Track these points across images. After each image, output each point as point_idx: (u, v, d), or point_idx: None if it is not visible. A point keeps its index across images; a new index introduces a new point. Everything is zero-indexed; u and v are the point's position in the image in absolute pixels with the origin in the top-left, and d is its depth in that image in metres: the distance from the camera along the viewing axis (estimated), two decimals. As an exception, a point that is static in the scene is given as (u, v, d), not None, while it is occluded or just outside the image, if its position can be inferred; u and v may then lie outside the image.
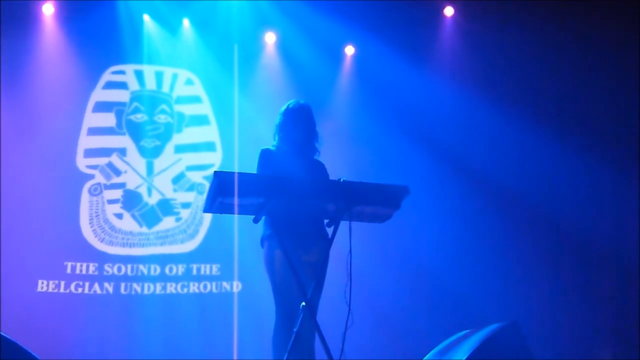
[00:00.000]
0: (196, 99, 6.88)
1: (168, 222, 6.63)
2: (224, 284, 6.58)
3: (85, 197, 6.50)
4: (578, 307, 6.68)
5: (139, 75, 6.74)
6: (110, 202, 6.54)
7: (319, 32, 6.83)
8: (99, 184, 6.54)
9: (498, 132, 6.95)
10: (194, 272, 6.57)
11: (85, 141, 6.56)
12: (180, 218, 6.66)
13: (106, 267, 6.41)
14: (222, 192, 3.55)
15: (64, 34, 6.54)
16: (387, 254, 6.76)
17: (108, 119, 6.63)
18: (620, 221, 6.73)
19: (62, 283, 6.28)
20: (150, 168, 6.66)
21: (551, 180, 6.92)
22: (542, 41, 6.96)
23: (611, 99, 6.88)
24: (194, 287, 6.54)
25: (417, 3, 6.99)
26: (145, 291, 6.44)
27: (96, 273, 6.37)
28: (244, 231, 5.93)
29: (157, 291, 6.46)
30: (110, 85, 6.68)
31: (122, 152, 6.63)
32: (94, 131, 6.59)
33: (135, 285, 6.43)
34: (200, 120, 6.85)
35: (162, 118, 6.76)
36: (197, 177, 6.74)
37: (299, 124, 4.16)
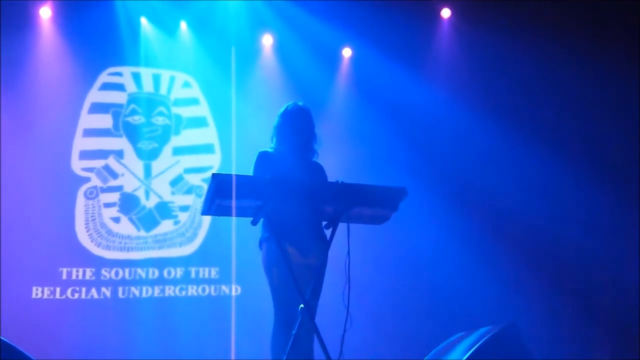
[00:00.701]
0: (194, 101, 6.87)
1: (166, 226, 6.59)
2: (223, 287, 6.56)
3: (80, 200, 6.42)
4: (576, 309, 6.69)
5: (136, 77, 6.71)
6: (107, 205, 6.48)
7: (316, 35, 6.84)
8: (95, 187, 6.48)
9: (495, 136, 6.94)
10: (193, 275, 6.54)
11: (81, 143, 6.49)
12: (179, 221, 6.63)
13: (103, 272, 6.34)
14: (220, 194, 3.55)
15: (61, 35, 6.52)
16: (386, 256, 6.76)
17: (105, 121, 6.58)
18: (620, 223, 6.74)
19: (58, 289, 6.20)
20: (147, 170, 6.63)
21: (549, 184, 6.93)
22: (541, 45, 6.97)
23: (612, 102, 6.90)
24: (192, 291, 6.51)
25: (414, 5, 6.99)
26: (144, 294, 6.39)
27: (93, 278, 6.30)
28: (243, 234, 5.92)
29: (156, 294, 6.41)
30: (106, 86, 6.64)
31: (119, 154, 6.58)
32: (89, 132, 6.54)
33: (133, 288, 6.38)
34: (198, 123, 6.84)
35: (159, 120, 6.73)
36: (195, 179, 6.71)
37: (297, 126, 4.16)
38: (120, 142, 6.59)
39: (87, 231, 6.41)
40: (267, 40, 7.00)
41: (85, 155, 6.50)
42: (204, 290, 6.52)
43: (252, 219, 3.78)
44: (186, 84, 6.86)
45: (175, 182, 6.67)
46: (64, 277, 6.25)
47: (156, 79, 6.78)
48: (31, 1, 6.45)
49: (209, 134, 6.83)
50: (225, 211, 3.70)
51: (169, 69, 6.81)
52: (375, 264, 6.62)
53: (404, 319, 6.66)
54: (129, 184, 6.55)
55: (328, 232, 3.91)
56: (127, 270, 6.40)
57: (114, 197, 6.51)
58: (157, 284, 6.44)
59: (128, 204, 6.53)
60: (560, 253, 6.79)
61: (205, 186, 5.56)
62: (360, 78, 7.08)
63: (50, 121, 6.43)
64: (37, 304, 6.13)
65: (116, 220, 6.50)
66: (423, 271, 6.75)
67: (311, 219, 3.95)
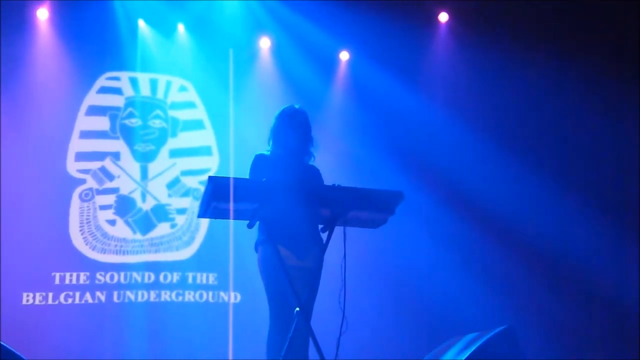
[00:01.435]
0: (190, 105, 6.86)
1: (163, 229, 6.55)
2: (222, 294, 6.48)
3: (75, 203, 6.37)
4: (575, 311, 6.69)
5: (134, 81, 6.71)
6: (103, 207, 6.43)
7: (313, 38, 6.84)
8: (90, 189, 6.44)
9: (491, 141, 6.95)
10: (190, 280, 6.48)
11: (77, 145, 6.46)
12: (176, 224, 6.59)
13: (98, 276, 6.28)
14: (217, 197, 3.55)
15: (58, 36, 6.51)
16: (382, 260, 6.75)
17: (102, 123, 6.56)
18: (620, 223, 6.76)
19: (50, 295, 6.13)
20: (144, 172, 6.60)
21: (543, 188, 6.93)
22: (540, 49, 6.98)
23: (612, 103, 6.91)
24: (189, 297, 6.44)
25: (411, 9, 7.00)
26: (139, 299, 6.32)
27: (87, 282, 6.23)
28: (242, 240, 5.86)
29: (152, 299, 6.34)
30: (104, 90, 6.63)
31: (115, 156, 6.55)
32: (86, 134, 6.52)
33: (128, 293, 6.30)
34: (195, 125, 6.82)
35: (156, 123, 6.72)
36: (192, 182, 6.68)
37: (294, 129, 4.15)
38: (117, 144, 6.56)
39: (82, 234, 6.36)
40: (265, 43, 7.00)
41: (81, 157, 6.46)
42: (201, 296, 6.47)
43: (248, 222, 3.77)
44: (182, 88, 6.86)
45: (172, 185, 6.64)
46: (57, 282, 6.18)
47: (153, 84, 6.77)
48: (28, 2, 6.43)
49: (206, 137, 6.82)
50: (221, 214, 3.70)
51: (165, 74, 6.81)
52: (371, 267, 6.60)
53: (400, 322, 6.65)
54: (125, 186, 6.51)
55: (324, 236, 3.90)
56: (122, 274, 6.33)
57: (110, 199, 6.47)
58: (153, 288, 6.37)
59: (124, 206, 6.49)
60: (556, 256, 6.79)
61: (202, 189, 5.54)
62: (357, 81, 7.08)
63: (46, 123, 6.38)
64: (28, 310, 6.04)
65: (112, 222, 6.46)
66: (420, 275, 6.74)
67: (307, 222, 3.94)
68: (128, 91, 6.68)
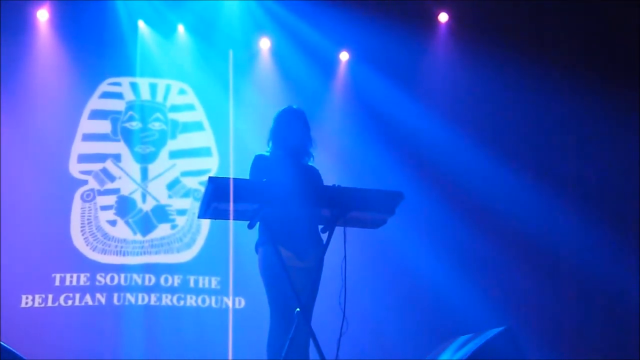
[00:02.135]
0: (189, 107, 6.88)
1: (163, 230, 6.55)
2: (225, 299, 6.43)
3: (77, 203, 6.41)
4: (574, 312, 6.69)
5: (134, 86, 6.76)
6: (104, 208, 6.46)
7: (313, 38, 6.85)
8: (92, 189, 6.48)
9: (490, 143, 6.95)
10: (191, 284, 6.45)
11: (80, 147, 6.52)
12: (176, 225, 6.59)
13: (98, 277, 6.27)
14: (217, 197, 3.55)
15: (59, 38, 6.53)
16: (382, 260, 6.75)
17: (103, 126, 6.62)
18: (619, 224, 6.77)
19: (50, 296, 6.12)
20: (144, 173, 6.61)
21: (543, 190, 6.93)
22: (540, 50, 6.98)
23: (613, 103, 6.92)
24: (191, 301, 6.41)
25: (411, 9, 7.00)
26: (139, 302, 6.30)
27: (87, 284, 6.22)
28: (244, 243, 5.78)
29: (152, 302, 6.32)
30: (106, 95, 6.69)
31: (116, 157, 6.59)
32: (88, 137, 6.58)
33: (129, 295, 6.28)
34: (195, 127, 6.84)
35: (156, 125, 6.75)
36: (193, 182, 6.69)
37: (293, 130, 4.15)
38: (118, 146, 6.61)
39: (83, 234, 6.38)
40: (265, 44, 7.01)
41: (83, 158, 6.52)
42: (204, 301, 6.44)
43: (248, 222, 3.77)
44: (182, 91, 6.89)
45: (172, 185, 6.66)
46: (57, 283, 6.17)
47: (153, 88, 6.81)
48: (28, 2, 6.44)
49: (205, 138, 6.83)
50: (221, 214, 3.70)
51: (165, 78, 6.84)
52: (371, 267, 6.60)
53: (401, 322, 6.64)
54: (126, 186, 6.54)
55: (324, 236, 3.90)
56: (122, 276, 6.31)
57: (111, 199, 6.50)
58: (153, 291, 6.34)
59: (124, 206, 6.51)
60: (556, 256, 6.80)
61: (203, 189, 5.53)
62: (357, 81, 7.09)
63: (49, 125, 6.44)
64: (28, 312, 6.03)
65: (112, 223, 6.47)
66: (420, 275, 6.74)
67: (308, 222, 3.94)
68: (129, 95, 6.73)
